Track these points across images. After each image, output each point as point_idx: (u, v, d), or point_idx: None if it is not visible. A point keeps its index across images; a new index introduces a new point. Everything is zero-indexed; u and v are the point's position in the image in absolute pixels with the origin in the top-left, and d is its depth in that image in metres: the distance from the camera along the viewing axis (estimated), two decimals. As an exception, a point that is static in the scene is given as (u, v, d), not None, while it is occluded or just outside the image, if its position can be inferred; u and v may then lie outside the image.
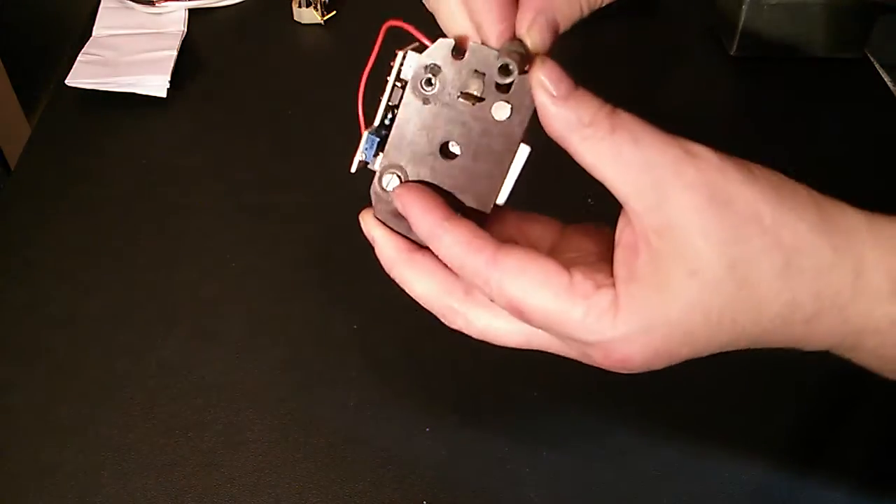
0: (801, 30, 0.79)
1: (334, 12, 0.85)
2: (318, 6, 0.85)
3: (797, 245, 0.29)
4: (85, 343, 0.56)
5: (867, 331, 0.30)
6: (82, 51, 0.79)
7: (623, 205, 0.30)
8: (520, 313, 0.31)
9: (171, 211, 0.66)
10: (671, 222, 0.29)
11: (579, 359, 0.33)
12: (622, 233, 0.31)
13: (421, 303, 0.34)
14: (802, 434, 0.52)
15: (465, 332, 0.34)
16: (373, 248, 0.35)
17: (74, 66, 0.77)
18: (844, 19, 0.78)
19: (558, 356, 0.33)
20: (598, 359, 0.31)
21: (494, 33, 0.32)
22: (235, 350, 0.55)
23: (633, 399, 0.52)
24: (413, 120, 0.33)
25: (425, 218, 0.32)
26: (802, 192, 0.30)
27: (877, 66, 0.80)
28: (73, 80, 0.75)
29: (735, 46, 0.80)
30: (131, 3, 0.86)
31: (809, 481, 0.48)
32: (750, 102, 0.77)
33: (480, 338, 0.34)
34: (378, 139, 0.34)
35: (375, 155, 0.34)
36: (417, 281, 0.34)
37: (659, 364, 0.31)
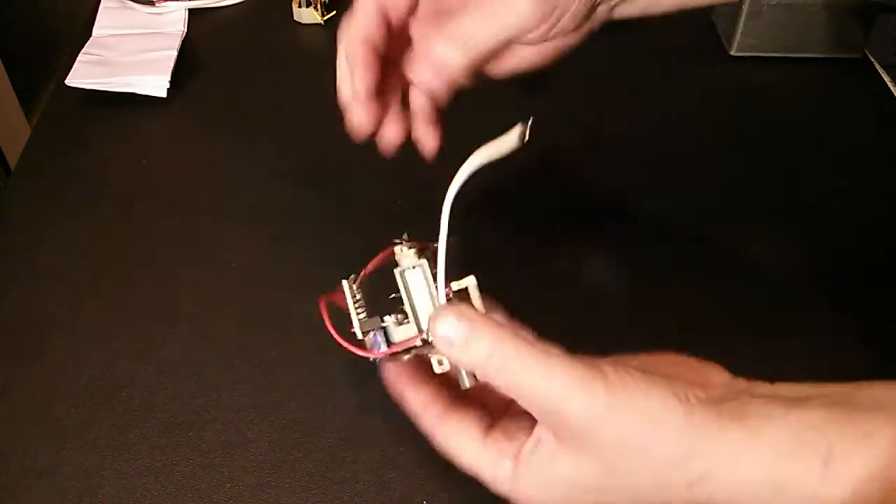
0: (801, 30, 0.79)
1: (334, 12, 0.85)
2: (318, 6, 0.85)
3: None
4: (85, 343, 0.56)
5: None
6: (82, 51, 0.79)
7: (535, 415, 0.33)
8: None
9: (171, 211, 0.66)
10: (579, 430, 0.32)
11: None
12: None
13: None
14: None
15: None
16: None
17: (74, 66, 0.77)
18: (844, 19, 0.78)
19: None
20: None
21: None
22: (235, 350, 0.55)
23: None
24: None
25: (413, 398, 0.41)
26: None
27: (877, 66, 0.80)
28: (73, 80, 0.75)
29: (735, 46, 0.80)
30: (131, 3, 0.86)
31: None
32: (750, 102, 0.77)
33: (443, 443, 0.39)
34: (383, 330, 0.39)
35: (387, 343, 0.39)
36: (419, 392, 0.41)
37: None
